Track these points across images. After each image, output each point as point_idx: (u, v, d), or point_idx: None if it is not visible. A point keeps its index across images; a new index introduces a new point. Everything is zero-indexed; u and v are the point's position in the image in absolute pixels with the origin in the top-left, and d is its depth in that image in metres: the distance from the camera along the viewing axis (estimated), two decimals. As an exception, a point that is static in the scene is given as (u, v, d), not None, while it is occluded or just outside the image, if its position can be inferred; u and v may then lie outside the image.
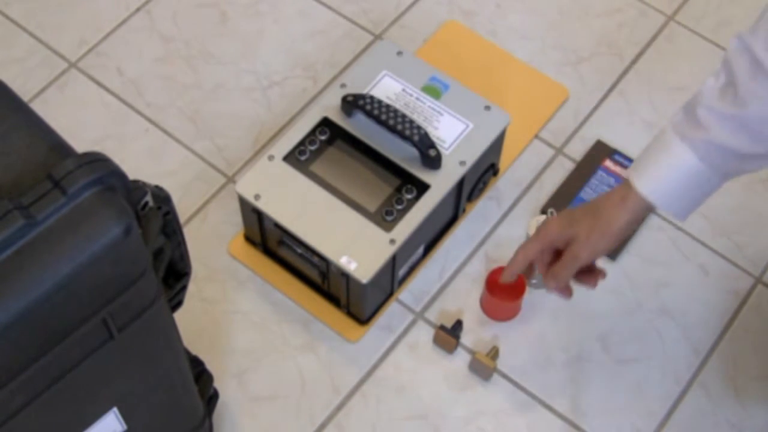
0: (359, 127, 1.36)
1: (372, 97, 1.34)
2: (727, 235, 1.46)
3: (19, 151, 0.81)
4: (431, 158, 1.31)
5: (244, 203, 1.34)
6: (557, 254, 1.16)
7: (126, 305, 0.86)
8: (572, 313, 1.36)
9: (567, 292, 1.18)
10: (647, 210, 1.11)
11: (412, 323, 1.38)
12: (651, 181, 1.08)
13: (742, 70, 1.03)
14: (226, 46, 1.63)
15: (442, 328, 1.35)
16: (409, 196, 1.31)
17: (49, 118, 0.87)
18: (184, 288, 1.01)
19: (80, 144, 0.86)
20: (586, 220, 1.13)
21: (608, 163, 1.50)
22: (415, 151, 1.32)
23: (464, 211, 1.46)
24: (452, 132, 1.36)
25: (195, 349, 1.22)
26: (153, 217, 0.86)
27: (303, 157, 1.34)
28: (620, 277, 1.40)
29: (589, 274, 1.18)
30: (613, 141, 1.53)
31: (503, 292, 1.34)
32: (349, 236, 1.28)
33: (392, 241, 1.28)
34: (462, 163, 1.34)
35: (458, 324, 1.36)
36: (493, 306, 1.37)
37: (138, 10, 1.67)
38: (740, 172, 1.08)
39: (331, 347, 1.36)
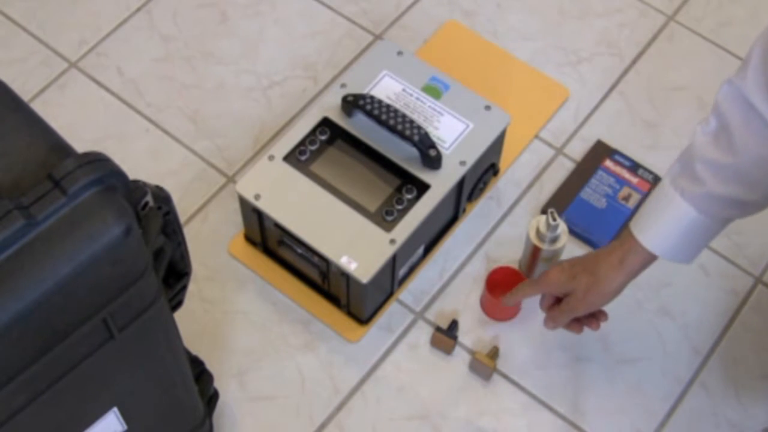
0: (359, 127, 1.36)
1: (372, 97, 1.34)
2: (727, 235, 1.46)
3: (19, 151, 0.81)
4: (431, 158, 1.31)
5: (244, 203, 1.34)
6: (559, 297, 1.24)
7: (126, 305, 0.86)
8: (572, 313, 1.36)
9: (575, 329, 1.24)
10: (648, 264, 1.16)
11: (412, 323, 1.38)
12: (655, 237, 1.13)
13: (736, 117, 1.04)
14: (226, 46, 1.63)
15: (438, 329, 1.35)
16: (409, 196, 1.31)
17: (49, 118, 0.87)
18: (184, 288, 1.01)
19: (80, 144, 0.86)
20: (585, 277, 1.19)
21: (608, 163, 1.50)
22: (415, 151, 1.32)
23: (464, 211, 1.46)
24: (452, 132, 1.36)
25: (195, 349, 1.22)
26: (153, 217, 0.86)
27: (303, 157, 1.34)
28: (620, 277, 1.40)
29: (591, 317, 1.25)
30: (613, 141, 1.53)
31: (503, 292, 1.34)
32: (349, 236, 1.28)
33: (392, 241, 1.28)
34: (462, 163, 1.34)
35: (454, 324, 1.36)
36: (493, 306, 1.37)
37: (138, 10, 1.67)
38: (740, 216, 1.12)
39: (331, 347, 1.36)
